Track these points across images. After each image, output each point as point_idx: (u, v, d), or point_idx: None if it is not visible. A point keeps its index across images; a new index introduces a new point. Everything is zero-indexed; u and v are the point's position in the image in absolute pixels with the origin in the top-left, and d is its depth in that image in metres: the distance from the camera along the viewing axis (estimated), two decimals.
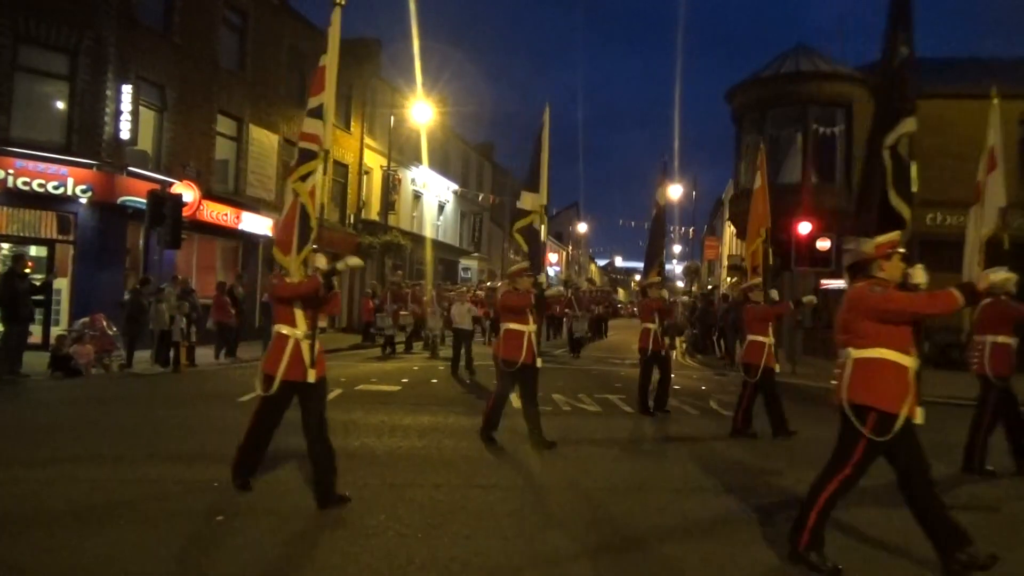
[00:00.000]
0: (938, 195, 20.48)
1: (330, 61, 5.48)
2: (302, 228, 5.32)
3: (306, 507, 5.24)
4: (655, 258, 11.02)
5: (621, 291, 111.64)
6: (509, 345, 7.51)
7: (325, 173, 5.52)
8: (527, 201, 8.60)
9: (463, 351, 14.24)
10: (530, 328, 7.54)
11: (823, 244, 16.31)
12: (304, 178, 5.39)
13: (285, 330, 5.28)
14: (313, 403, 5.30)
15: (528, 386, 7.64)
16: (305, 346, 5.20)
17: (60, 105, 16.41)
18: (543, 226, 8.64)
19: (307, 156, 5.44)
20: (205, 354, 15.30)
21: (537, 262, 8.25)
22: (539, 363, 7.66)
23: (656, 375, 10.22)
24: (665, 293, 10.90)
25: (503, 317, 7.73)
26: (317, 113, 5.48)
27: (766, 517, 5.36)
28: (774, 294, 9.29)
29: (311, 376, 5.18)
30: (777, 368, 8.83)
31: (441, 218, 37.47)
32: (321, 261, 5.33)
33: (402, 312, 19.34)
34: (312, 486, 5.34)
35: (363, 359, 17.16)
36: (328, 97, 5.44)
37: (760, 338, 8.62)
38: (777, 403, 8.56)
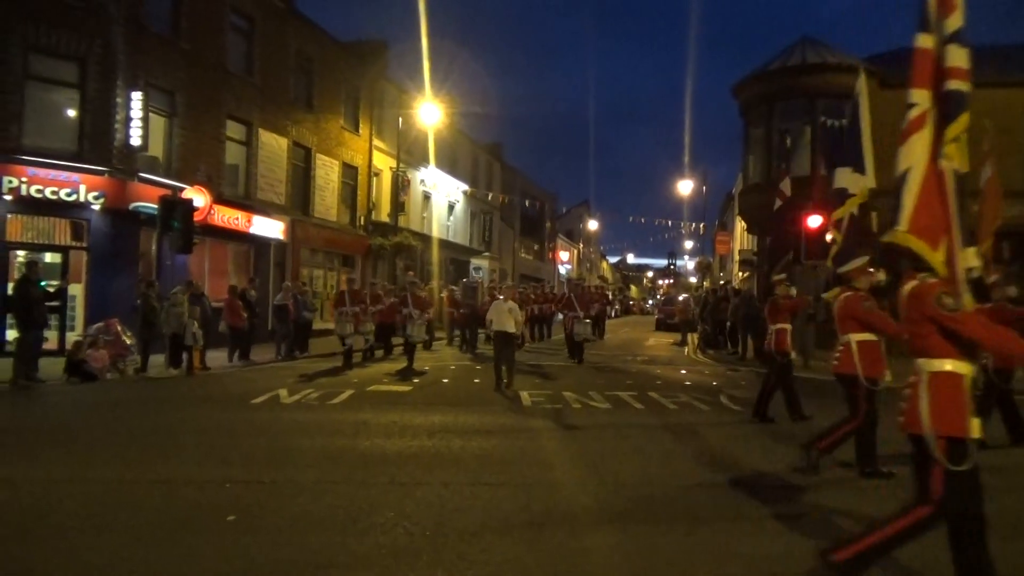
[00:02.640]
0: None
1: None
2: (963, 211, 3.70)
3: (315, 506, 5.29)
4: (782, 255, 10.08)
5: (633, 288, 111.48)
6: (868, 359, 6.34)
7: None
8: (850, 181, 7.34)
9: (505, 361, 11.95)
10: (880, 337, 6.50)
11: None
12: (958, 137, 3.66)
13: (950, 365, 3.52)
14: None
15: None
16: (969, 386, 3.54)
17: (71, 113, 16.57)
18: (874, 213, 7.51)
19: (958, 102, 3.62)
20: (218, 357, 15.42)
21: (851, 255, 7.06)
22: (888, 378, 6.47)
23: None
24: (793, 291, 9.85)
25: (847, 326, 6.49)
26: (961, 38, 3.66)
27: (772, 510, 5.37)
28: (1012, 291, 8.20)
29: (975, 430, 3.45)
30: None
31: (451, 218, 37.55)
32: (972, 259, 3.71)
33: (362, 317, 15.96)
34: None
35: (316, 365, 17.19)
36: (961, 17, 3.67)
37: None
38: (1015, 407, 7.81)
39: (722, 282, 39.07)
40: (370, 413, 9.42)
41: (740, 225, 36.20)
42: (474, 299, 19.71)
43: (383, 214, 29.01)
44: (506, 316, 11.81)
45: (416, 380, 13.14)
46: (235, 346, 16.00)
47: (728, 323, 20.29)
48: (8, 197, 15.18)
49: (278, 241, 22.28)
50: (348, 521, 4.97)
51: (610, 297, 46.14)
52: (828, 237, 8.05)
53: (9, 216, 15.55)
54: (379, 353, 17.69)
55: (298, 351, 17.42)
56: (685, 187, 43.50)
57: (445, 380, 13.34)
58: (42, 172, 15.48)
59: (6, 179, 15.09)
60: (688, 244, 64.42)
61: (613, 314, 55.18)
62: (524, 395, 11.11)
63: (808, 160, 21.14)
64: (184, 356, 13.93)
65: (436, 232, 33.94)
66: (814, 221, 16.23)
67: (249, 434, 8.03)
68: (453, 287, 23.88)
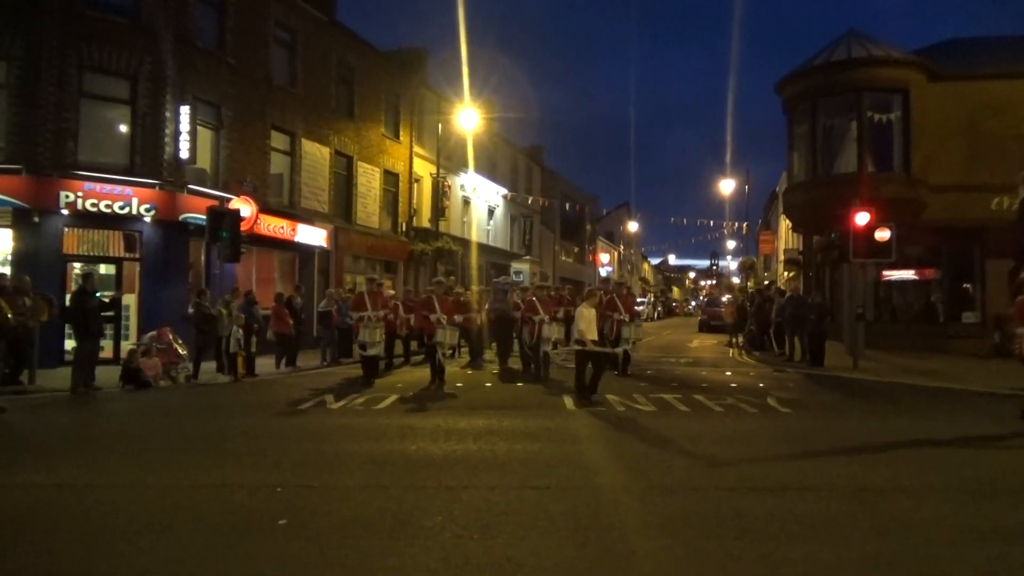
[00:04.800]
0: (1004, 179, 19.69)
1: None
2: None
3: (364, 510, 5.36)
4: None
5: (676, 289, 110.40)
6: None
7: None
8: None
9: (595, 370, 10.89)
10: None
11: (882, 235, 15.69)
12: None
13: None
14: None
15: None
16: None
17: (123, 128, 17.08)
18: None
19: None
20: (266, 364, 15.71)
21: None
22: None
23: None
24: None
25: None
26: None
27: (824, 516, 5.27)
28: None
29: None
30: None
31: (491, 223, 37.68)
32: None
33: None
34: None
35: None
36: None
37: None
38: None
39: (766, 282, 38.46)
40: (415, 418, 9.51)
41: (784, 224, 35.59)
42: (504, 303, 17.44)
43: (424, 220, 29.27)
44: (593, 324, 10.97)
45: (460, 384, 13.17)
46: (282, 353, 16.30)
47: (773, 324, 19.96)
48: (65, 211, 15.71)
49: (322, 249, 22.63)
50: (397, 525, 5.03)
51: (645, 300, 44.33)
52: None
53: (66, 230, 16.10)
54: (415, 359, 17.75)
55: (342, 357, 17.65)
56: (727, 187, 42.99)
57: (488, 384, 13.39)
58: (97, 186, 15.99)
59: (63, 194, 15.62)
60: (731, 244, 63.66)
61: (656, 315, 54.70)
62: (567, 399, 11.09)
63: (855, 157, 20.72)
64: (227, 362, 14.22)
65: (476, 237, 34.12)
66: (862, 219, 15.89)
67: (298, 439, 8.18)
68: (481, 288, 22.38)
